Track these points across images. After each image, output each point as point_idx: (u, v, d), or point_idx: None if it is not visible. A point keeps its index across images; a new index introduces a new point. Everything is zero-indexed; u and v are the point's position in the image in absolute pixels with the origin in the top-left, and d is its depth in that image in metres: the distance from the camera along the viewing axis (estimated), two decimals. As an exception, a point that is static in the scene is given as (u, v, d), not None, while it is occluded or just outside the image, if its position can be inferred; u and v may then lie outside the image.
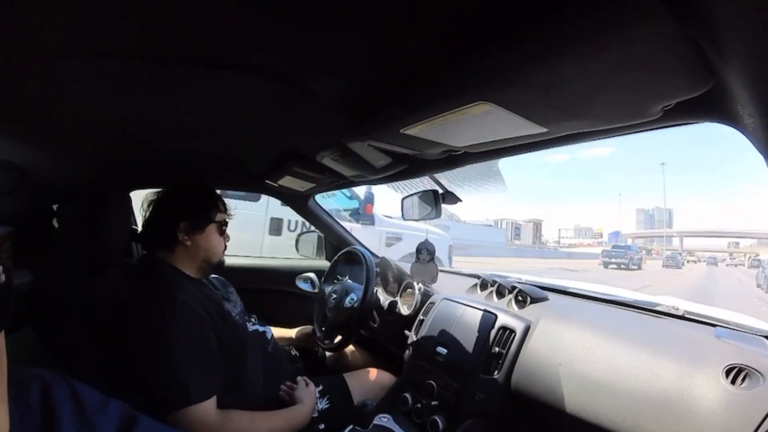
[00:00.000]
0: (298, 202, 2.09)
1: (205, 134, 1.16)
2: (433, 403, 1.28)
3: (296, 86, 0.82)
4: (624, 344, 1.04)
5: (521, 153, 1.01)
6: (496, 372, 1.20)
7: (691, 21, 0.44)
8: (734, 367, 0.86)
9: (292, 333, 1.70)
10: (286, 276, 2.14)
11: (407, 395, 1.36)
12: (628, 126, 0.74)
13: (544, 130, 0.75)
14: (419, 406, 1.31)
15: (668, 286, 14.65)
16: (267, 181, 1.71)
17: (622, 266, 27.46)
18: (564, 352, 1.12)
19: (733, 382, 0.84)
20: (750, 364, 0.86)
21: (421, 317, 1.56)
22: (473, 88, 0.63)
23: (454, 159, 1.10)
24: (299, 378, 1.35)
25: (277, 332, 1.57)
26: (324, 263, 2.23)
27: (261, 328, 1.37)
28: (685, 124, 0.75)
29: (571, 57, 0.51)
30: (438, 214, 1.36)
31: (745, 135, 0.65)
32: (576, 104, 0.65)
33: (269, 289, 2.14)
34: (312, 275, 2.08)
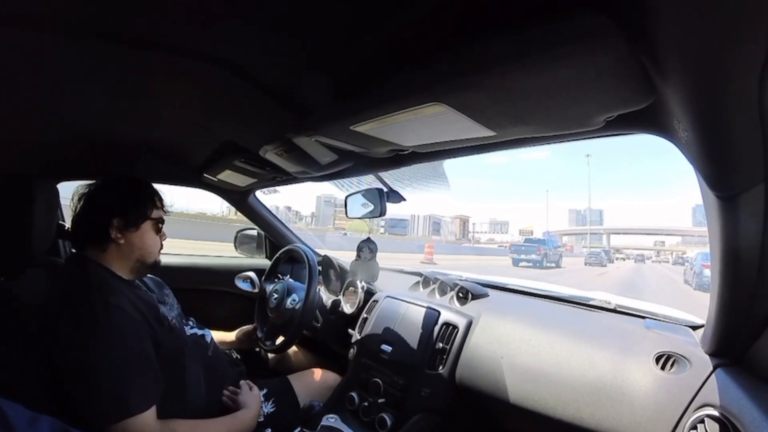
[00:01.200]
0: (238, 198, 2.06)
1: (139, 121, 1.13)
2: (380, 400, 1.34)
3: (239, 74, 0.82)
4: (561, 336, 1.15)
5: (467, 155, 1.07)
6: (440, 367, 1.28)
7: (640, 41, 0.49)
8: (663, 355, 0.98)
9: (232, 336, 1.68)
10: (224, 275, 2.10)
11: (354, 394, 1.40)
12: (572, 134, 0.81)
13: (492, 133, 0.81)
14: (366, 404, 1.35)
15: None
16: (205, 175, 1.68)
17: (537, 264, 22.46)
18: (505, 345, 1.20)
19: (662, 368, 0.96)
20: (677, 351, 0.98)
21: (365, 315, 1.61)
22: (428, 89, 0.67)
23: (400, 158, 1.14)
24: (242, 382, 1.34)
25: (217, 335, 1.54)
26: (264, 262, 2.22)
27: (200, 332, 1.34)
28: (625, 134, 0.84)
29: (525, 65, 0.56)
30: (383, 212, 1.40)
31: (678, 148, 0.73)
32: (525, 110, 0.70)
33: (207, 290, 2.09)
34: (252, 274, 2.07)
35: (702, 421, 0.81)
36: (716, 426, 0.78)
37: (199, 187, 1.91)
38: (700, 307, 0.98)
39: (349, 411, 1.39)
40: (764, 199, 0.65)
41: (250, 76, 0.83)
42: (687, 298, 10.34)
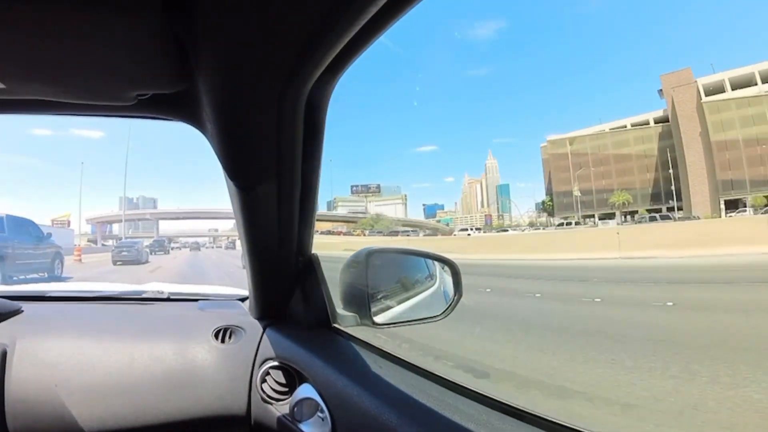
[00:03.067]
0: None
1: None
2: None
3: None
4: (119, 339, 1.16)
5: None
6: None
7: (178, 17, 0.55)
8: (220, 329, 1.20)
9: None
10: None
11: None
12: (104, 107, 0.86)
13: (2, 86, 0.73)
14: None
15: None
16: None
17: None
18: (57, 369, 1.08)
19: (222, 341, 1.17)
20: (232, 323, 1.21)
21: None
22: None
23: None
24: None
25: None
26: None
27: None
28: (159, 118, 0.95)
29: (45, 13, 0.54)
30: None
31: (206, 138, 0.89)
32: (41, 60, 0.66)
33: None
34: None
35: (268, 373, 1.06)
36: (280, 372, 1.05)
37: None
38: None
39: None
40: (277, 192, 0.88)
41: None
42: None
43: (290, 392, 1.04)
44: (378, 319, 1.14)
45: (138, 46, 0.60)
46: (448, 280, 1.30)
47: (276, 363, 1.08)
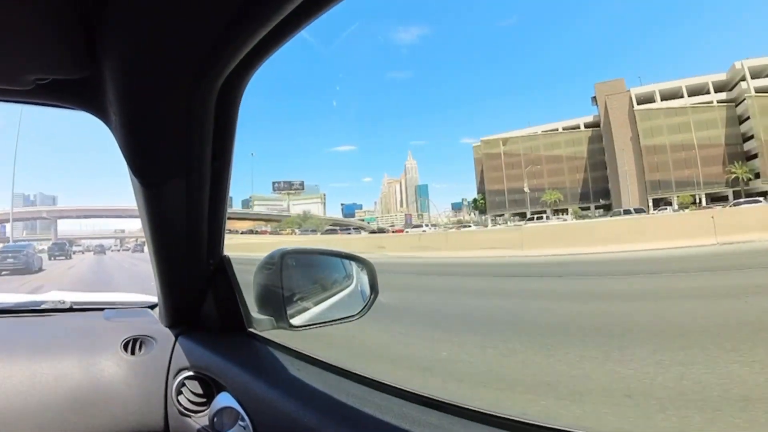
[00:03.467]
0: None
1: None
2: None
3: None
4: (17, 357, 1.05)
5: None
6: None
7: None
8: (129, 340, 1.14)
9: None
10: None
11: None
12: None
13: None
14: None
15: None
16: None
17: None
18: None
19: (132, 353, 1.11)
20: (141, 332, 1.16)
21: None
22: None
23: None
24: None
25: None
26: None
27: None
28: (60, 106, 0.90)
29: None
30: None
31: (110, 130, 0.86)
32: None
33: None
34: None
35: (184, 384, 1.03)
36: (196, 383, 1.02)
37: None
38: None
39: None
40: (185, 190, 0.86)
41: None
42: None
43: (208, 402, 1.02)
44: (295, 321, 1.15)
45: (38, 25, 0.57)
46: (365, 279, 1.34)
47: (191, 373, 1.05)
